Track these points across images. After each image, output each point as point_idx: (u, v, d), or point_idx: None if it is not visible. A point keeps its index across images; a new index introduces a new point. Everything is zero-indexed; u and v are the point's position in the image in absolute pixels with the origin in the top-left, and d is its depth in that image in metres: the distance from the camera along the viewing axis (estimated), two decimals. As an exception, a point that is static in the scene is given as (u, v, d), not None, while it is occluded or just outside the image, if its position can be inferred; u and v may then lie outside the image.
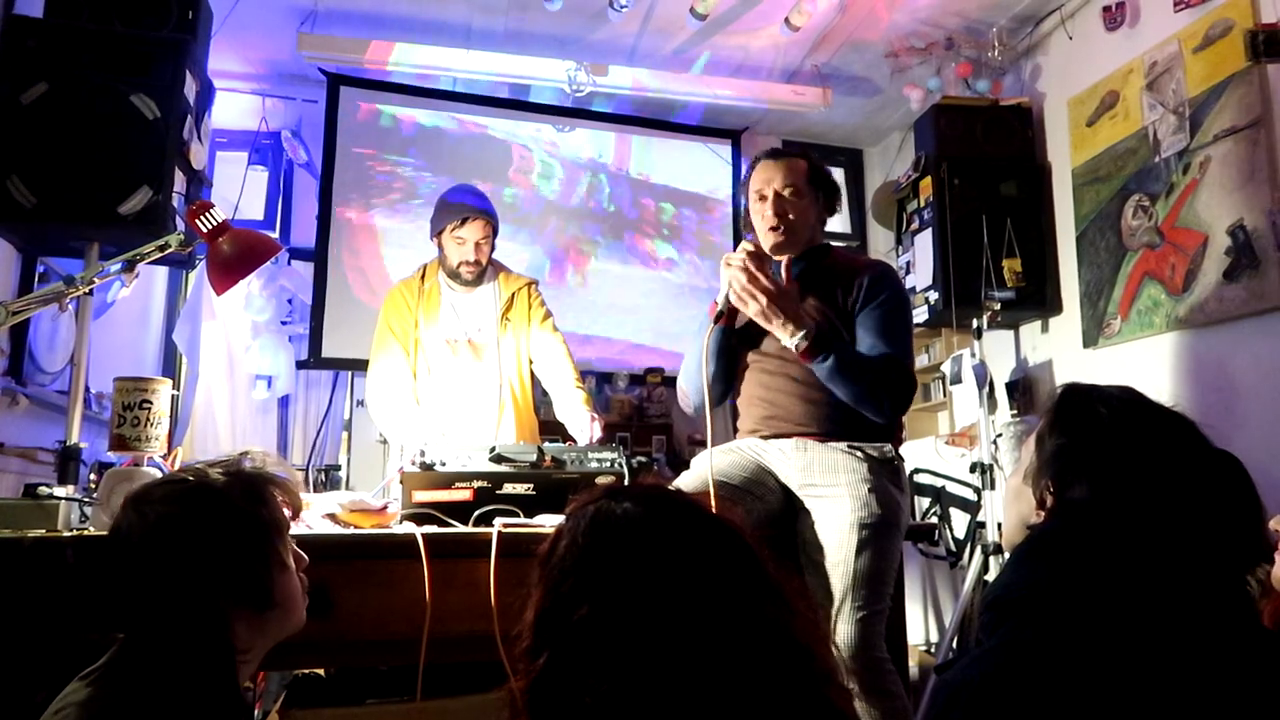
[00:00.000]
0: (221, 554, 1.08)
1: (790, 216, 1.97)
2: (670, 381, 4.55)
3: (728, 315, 1.89)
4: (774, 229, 1.96)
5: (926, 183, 3.75)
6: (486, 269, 2.68)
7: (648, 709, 0.74)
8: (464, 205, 2.60)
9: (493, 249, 2.68)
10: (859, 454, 1.84)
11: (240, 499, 1.12)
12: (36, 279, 2.94)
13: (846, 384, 1.82)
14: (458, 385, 2.63)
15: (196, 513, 1.09)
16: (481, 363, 2.66)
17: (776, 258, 1.99)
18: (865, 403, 1.84)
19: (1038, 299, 3.62)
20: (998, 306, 3.51)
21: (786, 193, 1.97)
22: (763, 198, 1.99)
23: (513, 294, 2.71)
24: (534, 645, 0.83)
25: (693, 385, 2.04)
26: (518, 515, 1.75)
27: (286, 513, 1.20)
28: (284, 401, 4.34)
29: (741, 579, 0.82)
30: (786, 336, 1.80)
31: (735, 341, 2.00)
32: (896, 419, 1.92)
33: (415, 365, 2.63)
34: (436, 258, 2.71)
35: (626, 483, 1.83)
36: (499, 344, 2.66)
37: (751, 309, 1.80)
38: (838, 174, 5.15)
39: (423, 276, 2.72)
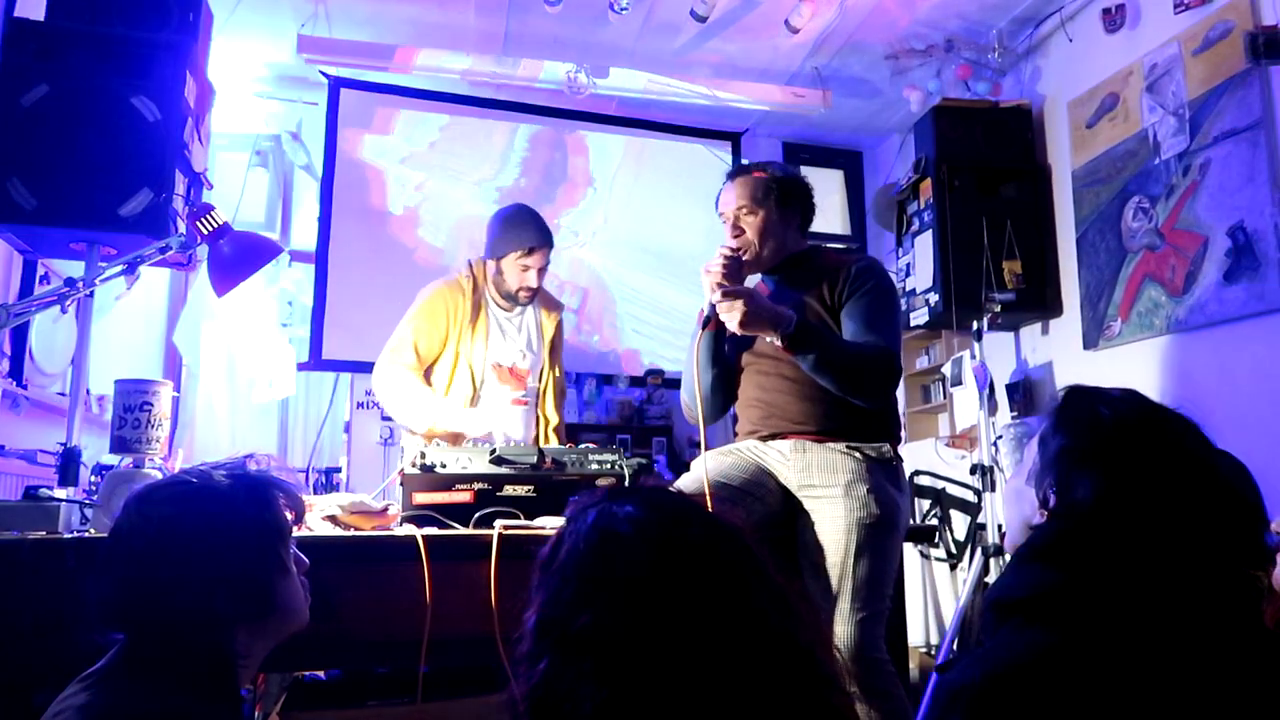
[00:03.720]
0: (224, 558, 1.07)
1: (747, 234, 1.96)
2: (671, 383, 4.56)
3: (715, 320, 1.86)
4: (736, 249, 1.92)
5: (926, 184, 3.75)
6: None
7: (651, 715, 0.74)
8: (532, 234, 2.53)
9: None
10: (857, 454, 1.84)
11: (244, 502, 1.11)
12: (37, 281, 2.94)
13: (830, 375, 1.82)
14: (495, 408, 2.53)
15: (199, 515, 1.08)
16: (523, 390, 2.58)
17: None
18: (850, 393, 1.84)
19: (1038, 301, 3.62)
20: (998, 308, 3.51)
21: (741, 212, 1.98)
22: (726, 220, 2.01)
23: (556, 325, 2.71)
24: (534, 650, 0.82)
25: (691, 396, 2.03)
26: (518, 517, 1.75)
27: (289, 516, 1.19)
28: (284, 403, 4.33)
29: (744, 582, 0.81)
30: (771, 336, 1.80)
31: (728, 348, 2.00)
32: (882, 404, 1.91)
33: (454, 375, 2.56)
34: (484, 272, 2.61)
35: (627, 484, 1.83)
36: (539, 373, 2.67)
37: (734, 322, 1.77)
38: (837, 176, 5.16)
39: (474, 288, 2.60)
